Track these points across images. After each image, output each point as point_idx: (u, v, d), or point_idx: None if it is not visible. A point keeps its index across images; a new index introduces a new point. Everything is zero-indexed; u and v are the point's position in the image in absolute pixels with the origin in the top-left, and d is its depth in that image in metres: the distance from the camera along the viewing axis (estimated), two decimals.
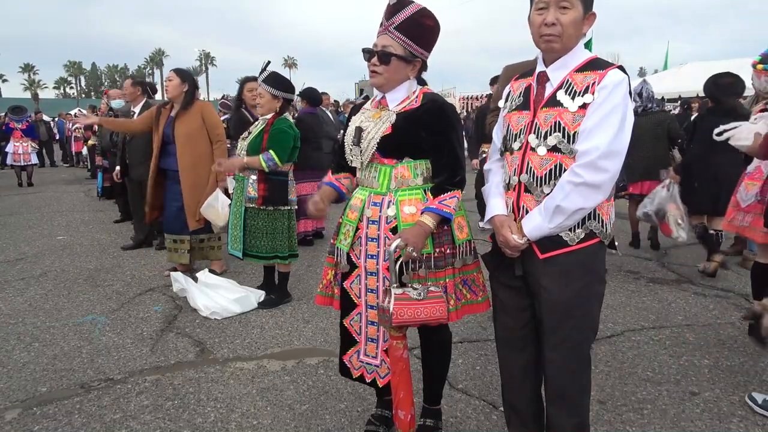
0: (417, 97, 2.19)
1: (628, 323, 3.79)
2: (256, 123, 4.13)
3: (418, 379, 2.48)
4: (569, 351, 1.85)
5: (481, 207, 5.94)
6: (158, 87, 10.48)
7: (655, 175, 5.26)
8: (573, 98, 1.77)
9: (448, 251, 2.18)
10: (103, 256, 5.72)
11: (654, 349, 3.38)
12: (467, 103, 20.10)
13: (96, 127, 9.12)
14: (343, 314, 2.32)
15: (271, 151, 3.85)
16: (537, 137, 1.82)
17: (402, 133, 2.14)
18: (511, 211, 1.89)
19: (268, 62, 4.07)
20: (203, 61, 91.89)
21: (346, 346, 2.34)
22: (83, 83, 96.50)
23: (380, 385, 2.26)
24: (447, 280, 2.18)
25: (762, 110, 3.24)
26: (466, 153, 2.90)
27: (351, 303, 2.27)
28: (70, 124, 17.28)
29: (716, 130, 3.06)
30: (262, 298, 4.19)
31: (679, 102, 12.25)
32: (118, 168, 6.25)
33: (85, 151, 13.66)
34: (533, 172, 1.82)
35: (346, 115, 2.60)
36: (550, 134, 1.79)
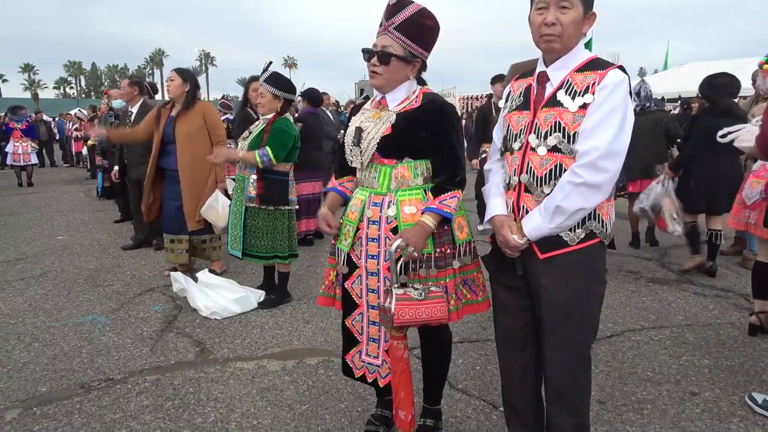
0: (417, 97, 2.19)
1: (628, 323, 3.79)
2: (257, 123, 4.13)
3: (418, 379, 2.48)
4: (569, 351, 1.85)
5: (481, 209, 5.95)
6: (159, 87, 10.48)
7: (654, 174, 5.27)
8: (573, 98, 1.77)
9: (448, 251, 2.18)
10: (103, 256, 5.72)
11: (654, 349, 3.38)
12: (467, 103, 20.10)
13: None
14: (345, 314, 2.32)
15: (267, 148, 3.85)
16: (537, 137, 1.81)
17: (402, 133, 2.14)
18: (511, 212, 1.89)
19: (270, 62, 4.11)
20: (203, 61, 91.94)
21: (348, 345, 2.35)
22: (83, 83, 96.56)
23: (381, 385, 2.26)
24: (448, 280, 2.18)
25: None
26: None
27: (352, 303, 2.28)
28: (69, 124, 17.31)
29: (720, 132, 3.08)
30: (262, 298, 4.19)
31: (679, 102, 12.26)
32: (116, 168, 6.26)
33: (85, 151, 13.65)
34: (533, 172, 1.82)
35: (347, 115, 2.61)
36: (551, 134, 1.79)
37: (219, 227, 4.58)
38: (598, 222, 1.82)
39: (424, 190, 2.18)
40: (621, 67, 1.78)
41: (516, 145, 1.88)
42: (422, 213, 2.11)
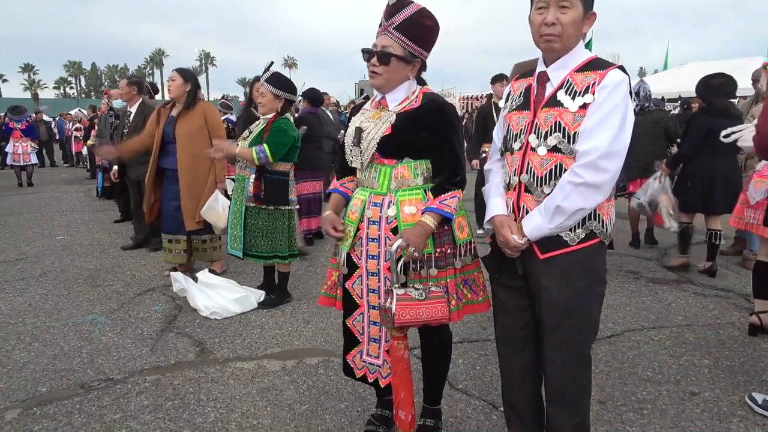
0: (417, 97, 2.19)
1: (628, 323, 3.79)
2: (258, 122, 4.14)
3: (418, 379, 2.48)
4: (569, 351, 1.85)
5: (480, 212, 5.94)
6: (159, 87, 10.47)
7: (653, 173, 5.29)
8: (573, 98, 1.76)
9: (449, 251, 2.18)
10: (103, 256, 5.72)
11: (654, 349, 3.38)
12: (467, 103, 20.09)
13: (96, 127, 9.14)
14: (346, 314, 2.32)
15: (264, 145, 3.84)
16: (537, 137, 1.81)
17: (402, 133, 2.14)
18: (512, 212, 1.89)
19: (272, 63, 4.15)
20: (203, 61, 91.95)
21: (349, 346, 2.35)
22: (83, 83, 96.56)
23: (382, 386, 2.26)
24: (448, 280, 2.18)
25: None
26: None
27: (353, 303, 2.28)
28: (69, 124, 17.31)
29: (723, 132, 3.09)
30: (262, 298, 4.19)
31: (679, 102, 12.26)
32: (116, 168, 6.26)
33: (85, 151, 13.64)
34: (533, 172, 1.82)
35: (347, 115, 2.61)
36: (551, 134, 1.79)
37: (219, 228, 4.58)
38: (599, 222, 1.82)
39: (425, 190, 2.18)
40: (621, 67, 1.78)
41: (516, 145, 1.88)
42: (422, 213, 2.11)
